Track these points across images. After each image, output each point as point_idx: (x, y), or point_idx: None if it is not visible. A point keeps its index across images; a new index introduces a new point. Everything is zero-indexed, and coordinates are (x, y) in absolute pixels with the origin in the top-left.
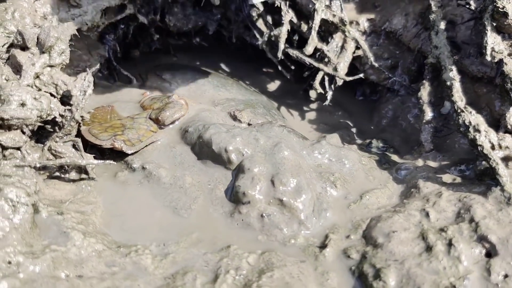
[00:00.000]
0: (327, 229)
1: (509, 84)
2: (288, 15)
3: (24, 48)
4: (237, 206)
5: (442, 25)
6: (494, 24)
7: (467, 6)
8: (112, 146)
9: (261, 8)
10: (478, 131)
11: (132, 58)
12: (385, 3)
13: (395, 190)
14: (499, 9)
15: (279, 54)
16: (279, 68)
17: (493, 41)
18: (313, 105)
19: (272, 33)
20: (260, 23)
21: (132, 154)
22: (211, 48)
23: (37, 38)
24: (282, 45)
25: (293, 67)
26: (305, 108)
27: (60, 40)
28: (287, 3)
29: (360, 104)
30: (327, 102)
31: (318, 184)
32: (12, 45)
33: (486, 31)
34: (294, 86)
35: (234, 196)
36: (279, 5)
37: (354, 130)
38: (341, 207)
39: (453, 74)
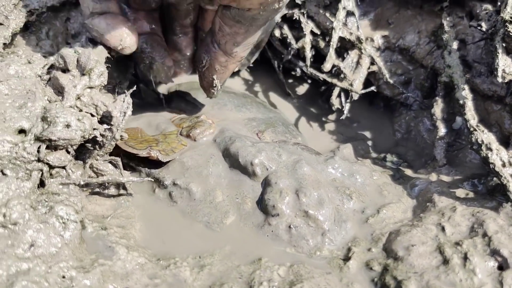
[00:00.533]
0: (349, 242)
1: None
2: (309, 26)
3: (65, 70)
4: (266, 219)
5: (455, 45)
6: (505, 46)
7: (479, 28)
8: (148, 155)
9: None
10: (490, 149)
11: None
12: (399, 20)
13: (409, 204)
14: (510, 33)
15: (308, 63)
16: (287, 89)
17: (504, 63)
18: (331, 117)
19: (297, 45)
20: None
21: (166, 163)
22: None
23: (77, 61)
24: (308, 54)
25: (309, 81)
26: (323, 119)
27: (99, 63)
28: (305, 16)
29: (376, 116)
30: (344, 116)
31: (336, 197)
32: (52, 66)
33: (498, 54)
34: (312, 99)
35: (263, 209)
36: (297, 18)
37: (370, 142)
38: (360, 221)
39: (466, 93)
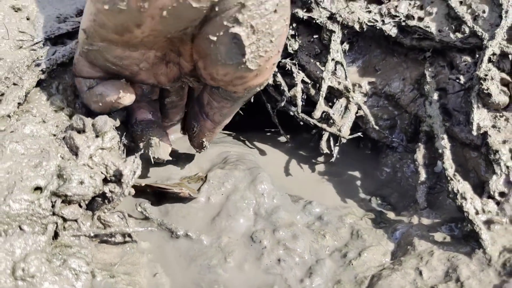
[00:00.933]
0: (334, 284)
1: (492, 155)
2: (300, 75)
3: (80, 131)
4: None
5: (435, 96)
6: (480, 101)
7: (457, 81)
8: (180, 191)
9: None
10: (465, 198)
11: None
12: (385, 67)
13: (390, 247)
14: (484, 90)
15: (299, 110)
16: (281, 131)
17: (478, 117)
18: (320, 158)
19: (290, 93)
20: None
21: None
22: None
23: (93, 124)
24: (299, 102)
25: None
26: (313, 161)
27: (112, 128)
28: (297, 66)
29: (364, 158)
30: (333, 159)
31: (311, 236)
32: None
33: (473, 109)
34: (303, 142)
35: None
36: (290, 68)
37: (358, 182)
38: (344, 264)
39: (445, 143)
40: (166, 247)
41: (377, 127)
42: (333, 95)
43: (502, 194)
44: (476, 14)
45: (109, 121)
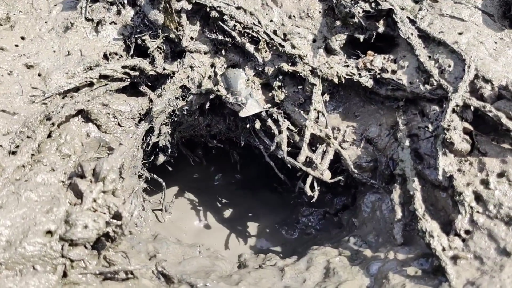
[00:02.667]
0: None
1: (457, 197)
2: (285, 123)
3: (82, 176)
4: None
5: (407, 142)
6: (445, 148)
7: (426, 129)
8: None
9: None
10: (432, 236)
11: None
12: (364, 114)
13: (365, 281)
14: (447, 139)
15: (285, 155)
16: (276, 170)
17: (443, 163)
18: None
19: (276, 139)
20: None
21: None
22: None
23: (93, 169)
24: (285, 148)
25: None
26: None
27: (111, 171)
28: (282, 115)
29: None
30: (314, 199)
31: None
32: (74, 173)
33: (438, 155)
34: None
35: None
36: (276, 117)
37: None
38: None
39: (415, 185)
40: None
41: (355, 170)
42: (316, 141)
43: (467, 232)
44: (443, 68)
45: (106, 165)
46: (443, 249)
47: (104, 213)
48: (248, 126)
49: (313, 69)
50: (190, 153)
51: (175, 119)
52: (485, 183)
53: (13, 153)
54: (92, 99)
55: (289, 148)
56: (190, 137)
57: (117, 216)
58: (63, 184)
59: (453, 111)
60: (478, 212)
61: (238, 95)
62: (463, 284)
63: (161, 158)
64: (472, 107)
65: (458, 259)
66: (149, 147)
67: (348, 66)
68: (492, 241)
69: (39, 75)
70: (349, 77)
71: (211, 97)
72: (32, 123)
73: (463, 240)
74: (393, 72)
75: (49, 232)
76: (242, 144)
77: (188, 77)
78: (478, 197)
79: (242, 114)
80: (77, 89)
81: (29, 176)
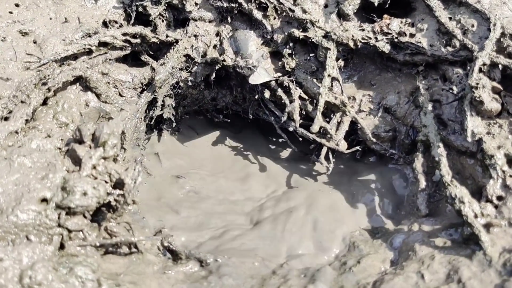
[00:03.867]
0: None
1: (487, 160)
2: (297, 92)
3: (81, 142)
4: None
5: (430, 107)
6: (473, 109)
7: (450, 91)
8: None
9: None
10: (463, 202)
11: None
12: (380, 82)
13: (388, 255)
14: (476, 97)
15: (297, 125)
16: (288, 142)
17: (472, 124)
18: (323, 169)
19: (286, 109)
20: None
21: None
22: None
23: (93, 134)
24: (297, 117)
25: (301, 139)
26: (313, 173)
27: (112, 136)
28: (294, 83)
29: (365, 169)
30: (328, 173)
31: None
32: (70, 139)
33: (466, 116)
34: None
35: None
36: (287, 85)
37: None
38: (344, 271)
39: (441, 151)
40: None
41: (374, 139)
42: (330, 110)
43: (499, 197)
44: (466, 28)
45: (106, 129)
46: (475, 216)
47: (105, 181)
48: (256, 97)
49: (327, 33)
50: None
51: (179, 92)
52: None
53: (6, 119)
54: (91, 67)
55: (301, 120)
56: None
57: (119, 184)
58: (60, 151)
59: (480, 70)
60: (511, 176)
61: (249, 58)
62: (499, 252)
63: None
64: (500, 66)
65: (491, 227)
66: (153, 121)
67: (363, 30)
68: None
69: (35, 42)
70: (365, 41)
71: (216, 67)
72: (26, 87)
73: (496, 206)
74: (412, 35)
75: (44, 200)
76: (251, 117)
77: (192, 46)
78: (510, 161)
79: (252, 80)
80: (75, 57)
81: (23, 142)
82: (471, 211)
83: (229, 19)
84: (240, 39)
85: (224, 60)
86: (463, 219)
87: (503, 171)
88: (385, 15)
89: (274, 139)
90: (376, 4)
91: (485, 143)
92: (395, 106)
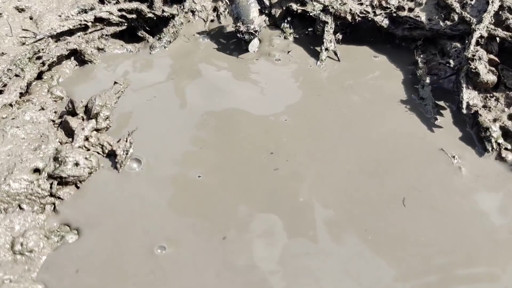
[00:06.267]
0: None
1: (482, 133)
2: None
3: (73, 114)
4: None
5: (427, 80)
6: (469, 81)
7: (447, 65)
8: None
9: None
10: None
11: None
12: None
13: None
14: (472, 69)
15: None
16: None
17: (468, 96)
18: None
19: None
20: None
21: None
22: None
23: (85, 106)
24: None
25: None
26: None
27: (105, 107)
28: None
29: None
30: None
31: None
32: (63, 111)
33: (462, 88)
34: None
35: None
36: None
37: None
38: None
39: (438, 123)
40: None
41: None
42: None
43: None
44: (464, 1)
45: (98, 101)
46: None
47: (98, 152)
48: None
49: (325, 6)
50: None
51: None
52: None
53: (0, 92)
54: (87, 43)
55: None
56: None
57: (111, 154)
58: (53, 123)
59: (477, 43)
60: (506, 149)
61: (251, 24)
62: None
63: None
64: (498, 38)
65: None
66: None
67: (362, 4)
68: None
69: (31, 18)
70: (363, 15)
71: None
72: (21, 61)
73: None
74: (410, 10)
75: (36, 170)
76: None
77: (189, 21)
78: (506, 133)
79: (250, 49)
80: (71, 32)
81: (17, 114)
82: None
83: None
84: (242, 4)
85: None
86: None
87: (499, 144)
88: None
89: None
90: None
91: (480, 116)
92: None
